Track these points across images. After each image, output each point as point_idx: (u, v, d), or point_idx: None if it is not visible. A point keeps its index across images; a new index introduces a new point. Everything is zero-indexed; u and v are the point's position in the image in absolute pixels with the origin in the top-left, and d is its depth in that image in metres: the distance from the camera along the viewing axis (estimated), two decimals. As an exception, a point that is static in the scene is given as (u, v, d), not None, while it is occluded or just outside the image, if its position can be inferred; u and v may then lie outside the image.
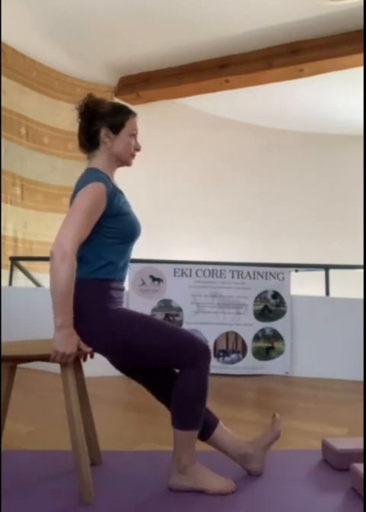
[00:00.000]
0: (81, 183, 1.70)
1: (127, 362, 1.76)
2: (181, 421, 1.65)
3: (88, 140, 1.80)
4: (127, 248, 1.78)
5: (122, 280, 1.79)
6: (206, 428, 1.76)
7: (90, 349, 1.64)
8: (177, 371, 1.72)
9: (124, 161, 1.84)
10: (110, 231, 1.71)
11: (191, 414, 1.65)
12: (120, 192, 1.81)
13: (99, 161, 1.79)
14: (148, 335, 1.65)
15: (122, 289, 1.79)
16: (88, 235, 1.65)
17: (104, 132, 1.77)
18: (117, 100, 6.28)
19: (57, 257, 1.55)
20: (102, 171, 1.75)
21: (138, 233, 1.80)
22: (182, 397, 1.64)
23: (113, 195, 1.71)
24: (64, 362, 1.59)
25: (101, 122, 1.77)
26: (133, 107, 6.28)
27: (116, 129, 1.78)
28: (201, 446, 1.77)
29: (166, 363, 1.72)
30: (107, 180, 1.72)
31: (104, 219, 1.68)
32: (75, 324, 1.61)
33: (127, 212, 1.77)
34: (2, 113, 5.15)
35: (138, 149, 1.85)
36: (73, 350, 1.58)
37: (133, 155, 1.85)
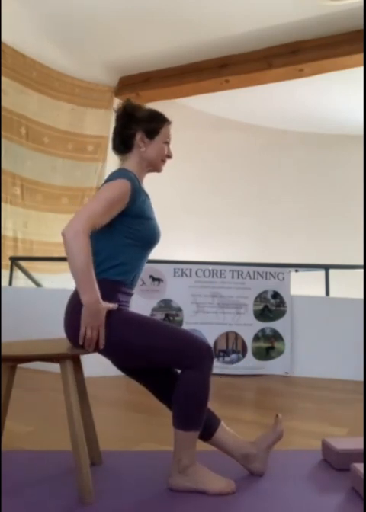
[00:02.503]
0: (109, 178, 1.73)
1: (129, 362, 1.76)
2: (182, 422, 1.65)
3: (123, 143, 1.83)
4: (143, 253, 1.78)
5: (132, 285, 1.78)
6: (207, 428, 1.76)
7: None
8: (178, 371, 1.72)
9: (155, 166, 1.87)
10: (130, 232, 1.71)
11: (193, 415, 1.65)
12: (147, 195, 1.83)
13: (131, 164, 1.81)
14: (150, 336, 1.65)
15: (130, 294, 1.79)
16: (106, 230, 1.65)
17: (139, 137, 1.80)
18: (117, 100, 6.29)
19: (69, 237, 1.55)
20: (132, 173, 1.77)
21: (157, 240, 1.80)
22: (184, 397, 1.64)
23: (139, 195, 1.72)
24: (89, 339, 1.59)
25: (137, 126, 1.80)
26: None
27: (151, 134, 1.81)
28: (202, 446, 1.77)
29: (168, 363, 1.72)
30: (135, 179, 1.73)
31: (126, 218, 1.69)
32: (77, 322, 1.61)
33: (150, 216, 1.78)
34: (2, 113, 5.15)
35: (170, 157, 1.88)
36: (100, 325, 1.59)
37: (163, 162, 1.88)
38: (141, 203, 1.74)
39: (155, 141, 1.82)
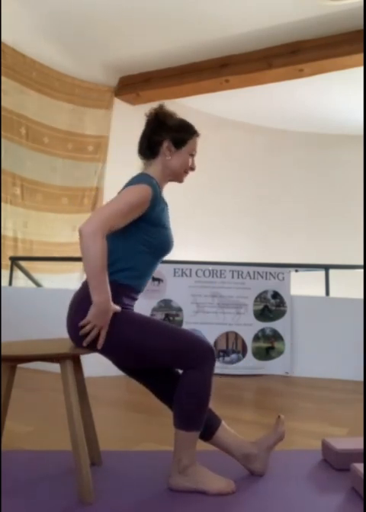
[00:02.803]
0: (130, 182, 1.74)
1: (130, 362, 1.76)
2: (183, 422, 1.65)
3: (149, 148, 1.83)
4: (154, 261, 1.78)
5: (139, 291, 1.78)
6: (208, 428, 1.76)
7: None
8: (179, 371, 1.72)
9: (177, 176, 1.86)
10: (145, 238, 1.71)
11: (194, 415, 1.65)
12: (165, 204, 1.83)
13: (154, 170, 1.81)
14: (151, 336, 1.65)
15: (135, 299, 1.79)
16: (121, 232, 1.65)
17: (166, 145, 1.80)
18: (117, 100, 6.29)
19: (86, 235, 1.55)
20: (155, 179, 1.77)
21: (169, 250, 1.81)
22: (185, 398, 1.64)
23: (158, 203, 1.73)
24: (90, 336, 1.60)
25: (166, 134, 1.80)
26: (132, 107, 6.33)
27: (178, 144, 1.81)
28: (202, 446, 1.77)
29: (170, 363, 1.72)
30: (156, 186, 1.73)
31: (142, 223, 1.69)
32: (79, 321, 1.62)
33: (166, 225, 1.78)
34: (2, 113, 5.15)
35: (193, 169, 1.88)
36: (104, 325, 1.60)
37: (186, 173, 1.88)
38: (160, 210, 1.74)
39: (181, 151, 1.82)
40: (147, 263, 1.75)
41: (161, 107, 1.85)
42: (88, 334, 1.61)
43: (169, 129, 1.80)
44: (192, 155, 1.86)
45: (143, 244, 1.72)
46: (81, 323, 1.61)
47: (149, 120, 1.85)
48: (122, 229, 1.66)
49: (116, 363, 1.83)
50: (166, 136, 1.80)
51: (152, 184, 1.71)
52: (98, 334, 1.62)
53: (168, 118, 1.83)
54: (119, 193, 1.76)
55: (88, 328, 1.60)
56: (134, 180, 1.74)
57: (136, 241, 1.71)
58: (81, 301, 1.65)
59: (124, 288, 1.70)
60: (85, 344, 1.63)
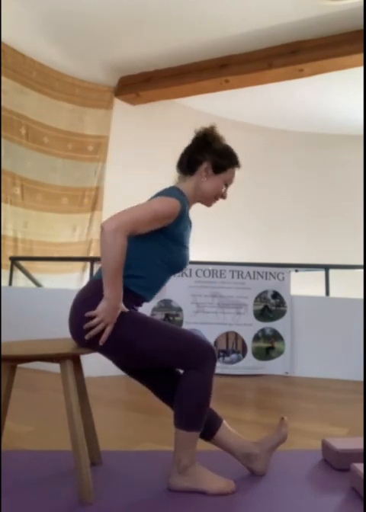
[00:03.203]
0: (162, 193, 1.74)
1: (131, 362, 1.76)
2: (183, 422, 1.65)
3: (188, 164, 1.83)
4: (166, 276, 1.79)
5: (145, 301, 1.78)
6: (209, 428, 1.76)
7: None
8: (180, 371, 1.72)
9: (206, 200, 1.86)
10: (162, 251, 1.71)
11: (194, 415, 1.65)
12: (190, 223, 1.83)
13: (187, 187, 1.81)
14: (153, 336, 1.65)
15: (140, 305, 1.79)
16: (140, 239, 1.65)
17: (205, 166, 1.80)
18: (117, 100, 6.29)
19: (108, 231, 1.55)
20: (186, 197, 1.77)
21: (183, 268, 1.82)
22: (186, 398, 1.64)
23: (183, 221, 1.73)
24: (94, 331, 1.60)
25: (209, 156, 1.80)
26: (132, 107, 6.31)
27: (217, 169, 1.81)
28: (202, 446, 1.77)
29: (171, 364, 1.72)
30: (186, 204, 1.74)
31: (163, 236, 1.70)
32: (81, 320, 1.61)
33: (186, 245, 1.78)
34: (2, 113, 5.15)
35: (224, 198, 1.88)
36: (111, 322, 1.60)
37: (216, 199, 1.87)
38: (183, 228, 1.75)
39: (217, 176, 1.82)
40: (159, 276, 1.75)
41: (212, 128, 1.86)
42: (91, 328, 1.61)
43: (213, 151, 1.81)
44: (227, 185, 1.86)
45: (160, 258, 1.72)
46: (90, 314, 1.60)
47: (197, 138, 1.86)
48: (142, 237, 1.66)
49: (116, 363, 1.83)
50: (208, 158, 1.80)
51: (182, 201, 1.71)
52: (102, 331, 1.61)
53: (215, 141, 1.83)
54: (148, 200, 1.76)
55: (95, 321, 1.60)
56: (166, 192, 1.75)
57: (154, 252, 1.71)
58: (92, 296, 1.65)
59: (132, 294, 1.70)
60: (87, 337, 1.61)
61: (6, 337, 3.50)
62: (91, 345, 1.65)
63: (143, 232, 1.65)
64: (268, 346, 4.20)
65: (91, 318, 1.61)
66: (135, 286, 1.70)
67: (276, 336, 4.20)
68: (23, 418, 2.56)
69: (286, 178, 7.35)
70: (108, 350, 1.68)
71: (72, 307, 1.71)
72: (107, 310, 1.59)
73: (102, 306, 1.60)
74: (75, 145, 5.96)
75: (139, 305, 1.78)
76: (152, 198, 1.75)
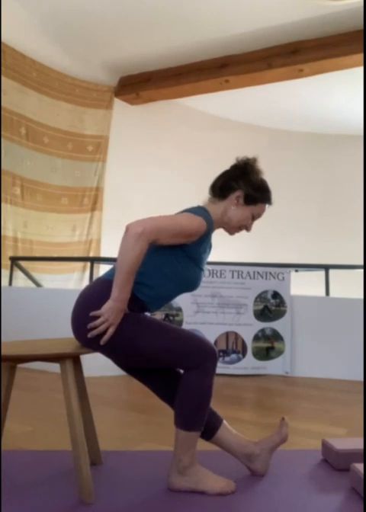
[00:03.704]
0: (191, 210, 1.75)
1: (132, 362, 1.76)
2: (184, 422, 1.65)
3: (222, 188, 1.83)
4: (175, 292, 1.78)
5: (149, 310, 1.78)
6: (210, 428, 1.76)
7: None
8: (181, 371, 1.72)
9: (230, 228, 1.86)
10: (177, 267, 1.71)
11: (195, 415, 1.65)
12: (210, 247, 1.84)
13: (216, 210, 1.81)
14: (154, 336, 1.65)
15: (143, 313, 1.79)
16: (158, 250, 1.66)
17: (237, 194, 1.81)
18: (116, 100, 6.29)
19: (132, 233, 1.56)
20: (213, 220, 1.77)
21: (192, 289, 1.81)
22: (187, 398, 1.65)
23: (204, 242, 1.75)
24: (97, 330, 1.59)
25: (244, 186, 1.81)
26: (132, 107, 6.29)
27: (248, 200, 1.82)
28: (202, 446, 1.77)
29: (172, 364, 1.72)
30: (211, 227, 1.75)
31: (181, 252, 1.70)
32: (85, 318, 1.61)
33: (201, 267, 1.79)
34: (2, 113, 5.15)
35: (247, 230, 1.88)
36: (114, 323, 1.60)
37: (239, 229, 1.87)
38: (202, 250, 1.76)
39: (247, 207, 1.82)
40: (168, 290, 1.75)
41: (254, 160, 1.86)
42: (94, 327, 1.60)
43: (249, 182, 1.81)
44: (254, 218, 1.86)
45: (172, 272, 1.71)
46: (94, 313, 1.60)
47: (236, 165, 1.85)
48: (162, 249, 1.67)
49: (117, 363, 1.83)
50: (242, 187, 1.80)
51: (208, 222, 1.72)
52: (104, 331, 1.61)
53: (253, 173, 1.84)
54: (178, 213, 1.76)
55: (98, 321, 1.59)
56: (195, 210, 1.75)
57: (169, 266, 1.71)
58: (98, 295, 1.64)
59: (138, 301, 1.70)
60: (89, 335, 1.61)
61: (6, 337, 3.50)
62: (92, 344, 1.64)
63: (164, 244, 1.65)
64: (268, 346, 4.20)
65: (95, 316, 1.61)
66: (142, 294, 1.69)
67: (276, 336, 4.20)
68: (23, 418, 2.56)
69: (285, 178, 7.34)
70: (109, 350, 1.67)
71: (77, 303, 1.71)
72: (112, 311, 1.59)
73: (108, 306, 1.59)
74: (75, 145, 5.96)
75: (142, 312, 1.77)
76: (180, 213, 1.75)
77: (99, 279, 1.77)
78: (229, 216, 1.82)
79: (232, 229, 1.86)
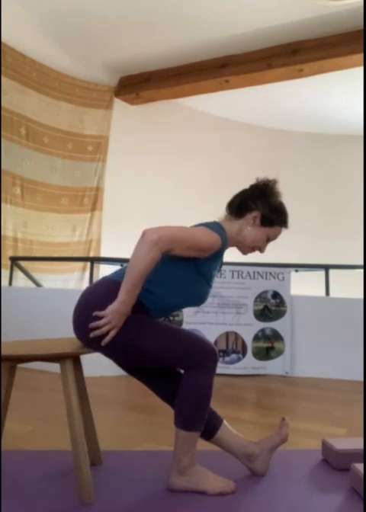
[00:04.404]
0: (208, 225, 1.74)
1: (133, 362, 1.76)
2: (184, 422, 1.65)
3: (239, 207, 1.83)
4: (181, 303, 1.78)
5: (152, 317, 1.76)
6: (210, 428, 1.76)
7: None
8: (181, 371, 1.72)
9: (244, 247, 1.86)
10: (185, 278, 1.71)
11: (195, 415, 1.65)
12: (221, 264, 1.84)
13: (231, 228, 1.80)
14: (154, 336, 1.65)
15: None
16: (168, 260, 1.65)
17: (254, 215, 1.80)
18: (116, 100, 6.29)
19: (147, 240, 1.55)
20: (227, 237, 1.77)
21: (196, 304, 1.80)
22: (186, 398, 1.64)
23: (216, 259, 1.74)
24: (99, 331, 1.59)
25: (261, 207, 1.80)
26: (132, 107, 6.30)
27: (264, 222, 1.81)
28: (202, 446, 1.77)
29: (172, 364, 1.72)
30: (225, 244, 1.74)
31: (192, 266, 1.70)
32: (88, 317, 1.60)
33: (209, 283, 1.77)
34: (2, 113, 5.15)
35: (261, 251, 1.89)
36: (117, 326, 1.59)
37: (253, 250, 1.88)
38: (213, 267, 1.76)
39: (262, 229, 1.82)
40: (174, 301, 1.74)
41: (274, 182, 1.85)
42: (96, 327, 1.59)
43: (267, 204, 1.81)
44: (268, 240, 1.86)
45: (181, 284, 1.71)
46: (98, 313, 1.59)
47: (256, 185, 1.85)
48: (173, 259, 1.66)
49: (118, 363, 1.83)
50: (260, 208, 1.80)
51: (223, 240, 1.72)
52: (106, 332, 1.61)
53: (272, 195, 1.83)
54: (195, 226, 1.76)
55: (101, 322, 1.58)
56: (211, 226, 1.74)
57: (178, 277, 1.70)
58: (103, 296, 1.63)
59: (142, 307, 1.69)
60: (92, 335, 1.60)
61: (6, 337, 3.50)
62: (93, 344, 1.64)
63: (177, 255, 1.65)
64: (268, 346, 4.20)
65: (98, 316, 1.60)
66: (147, 300, 1.69)
67: (276, 336, 4.20)
68: (23, 418, 2.56)
69: (285, 178, 7.27)
70: (110, 350, 1.67)
71: (80, 302, 1.70)
72: (116, 313, 1.58)
73: (112, 308, 1.58)
74: (75, 145, 5.96)
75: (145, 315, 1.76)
76: (197, 226, 1.75)
77: (105, 279, 1.76)
78: (244, 236, 1.81)
79: (245, 249, 1.86)
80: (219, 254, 1.74)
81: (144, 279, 1.59)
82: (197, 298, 1.77)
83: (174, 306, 1.78)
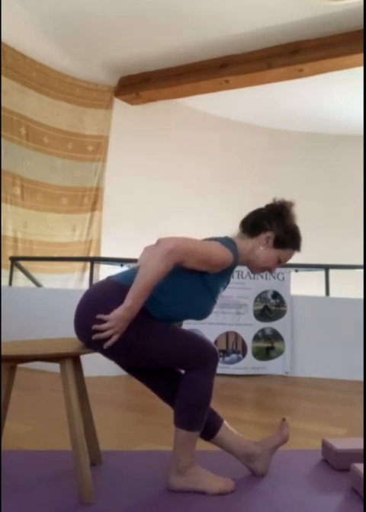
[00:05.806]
0: (220, 240, 1.74)
1: (133, 362, 1.75)
2: (184, 422, 1.65)
3: (253, 226, 1.82)
4: (185, 314, 1.76)
5: None
6: (210, 428, 1.76)
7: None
8: (181, 371, 1.72)
9: (254, 266, 1.85)
10: (191, 291, 1.70)
11: (195, 415, 1.65)
12: (228, 282, 1.83)
13: (243, 246, 1.79)
14: (155, 337, 1.64)
15: None
16: (178, 272, 1.64)
17: (268, 235, 1.80)
18: (117, 100, 6.29)
19: (161, 249, 1.55)
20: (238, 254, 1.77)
21: (200, 318, 1.79)
22: (186, 398, 1.64)
23: (225, 276, 1.74)
24: (102, 334, 1.57)
25: (276, 228, 1.80)
26: (132, 107, 6.31)
27: (278, 243, 1.81)
28: (202, 446, 1.77)
29: (173, 365, 1.72)
30: (236, 261, 1.74)
31: (202, 282, 1.69)
32: (89, 320, 1.59)
33: (215, 299, 1.77)
34: (2, 113, 5.15)
35: (270, 271, 1.88)
36: (120, 332, 1.58)
37: (263, 270, 1.87)
38: (221, 283, 1.75)
39: (275, 250, 1.81)
40: (178, 312, 1.72)
41: (290, 204, 1.86)
42: (98, 330, 1.58)
43: (282, 226, 1.80)
44: (280, 262, 1.85)
45: (187, 296, 1.70)
46: (102, 317, 1.57)
47: (272, 206, 1.85)
48: (183, 270, 1.65)
49: (119, 363, 1.82)
50: (274, 229, 1.79)
51: (235, 257, 1.72)
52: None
53: (288, 217, 1.83)
54: (208, 239, 1.76)
55: (104, 326, 1.56)
56: (225, 242, 1.73)
57: (185, 289, 1.70)
58: (108, 298, 1.62)
59: (146, 312, 1.68)
60: (94, 337, 1.58)
61: (6, 337, 3.50)
62: (93, 345, 1.63)
63: (188, 267, 1.64)
64: (268, 346, 4.20)
65: (101, 319, 1.58)
66: (152, 308, 1.67)
67: (276, 336, 4.20)
68: (23, 418, 2.56)
69: (286, 178, 7.34)
70: (110, 351, 1.67)
71: (83, 302, 1.68)
72: (121, 319, 1.56)
73: (117, 314, 1.56)
74: (75, 145, 5.96)
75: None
76: (210, 239, 1.75)
77: (110, 280, 1.73)
78: (256, 255, 1.80)
79: (256, 268, 1.85)
80: (228, 270, 1.74)
81: (152, 288, 1.58)
82: (201, 312, 1.76)
83: (178, 316, 1.75)
